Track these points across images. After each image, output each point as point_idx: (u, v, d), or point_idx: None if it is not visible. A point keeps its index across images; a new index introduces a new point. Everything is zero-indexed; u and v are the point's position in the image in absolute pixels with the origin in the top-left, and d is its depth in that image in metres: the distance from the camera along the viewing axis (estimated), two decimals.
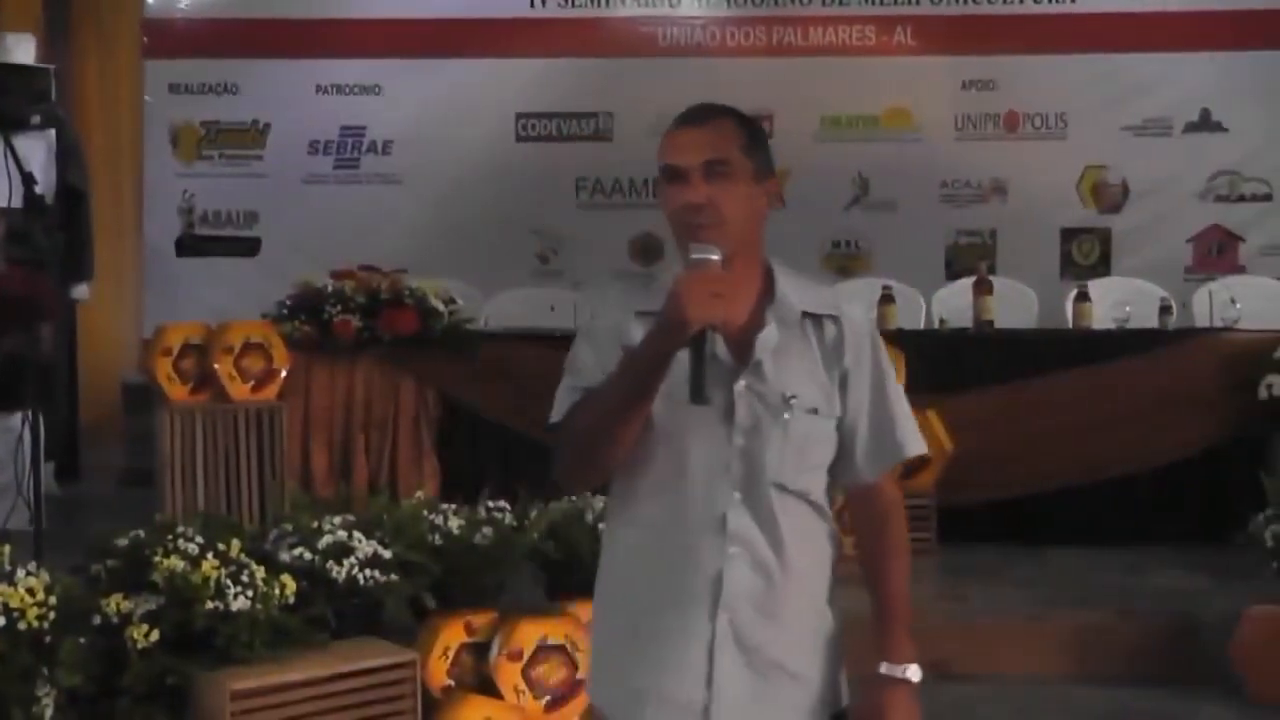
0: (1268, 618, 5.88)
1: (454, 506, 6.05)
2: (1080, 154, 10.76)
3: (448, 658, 5.36)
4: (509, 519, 6.00)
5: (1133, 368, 7.98)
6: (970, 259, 10.30)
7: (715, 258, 2.75)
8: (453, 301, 8.19)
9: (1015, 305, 9.14)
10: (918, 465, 7.77)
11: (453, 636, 5.40)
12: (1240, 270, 10.36)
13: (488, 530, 5.83)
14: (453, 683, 5.36)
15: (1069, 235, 10.75)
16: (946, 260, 10.70)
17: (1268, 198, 10.64)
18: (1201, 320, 8.84)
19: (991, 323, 8.45)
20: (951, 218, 10.79)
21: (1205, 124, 10.66)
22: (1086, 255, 10.71)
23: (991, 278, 8.90)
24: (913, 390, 8.02)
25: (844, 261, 10.70)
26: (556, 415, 2.86)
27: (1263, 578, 6.29)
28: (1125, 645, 6.31)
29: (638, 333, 2.79)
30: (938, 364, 7.97)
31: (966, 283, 8.90)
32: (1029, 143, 10.74)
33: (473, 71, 10.79)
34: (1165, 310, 8.60)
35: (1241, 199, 10.65)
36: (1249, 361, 7.77)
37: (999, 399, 7.92)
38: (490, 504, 6.12)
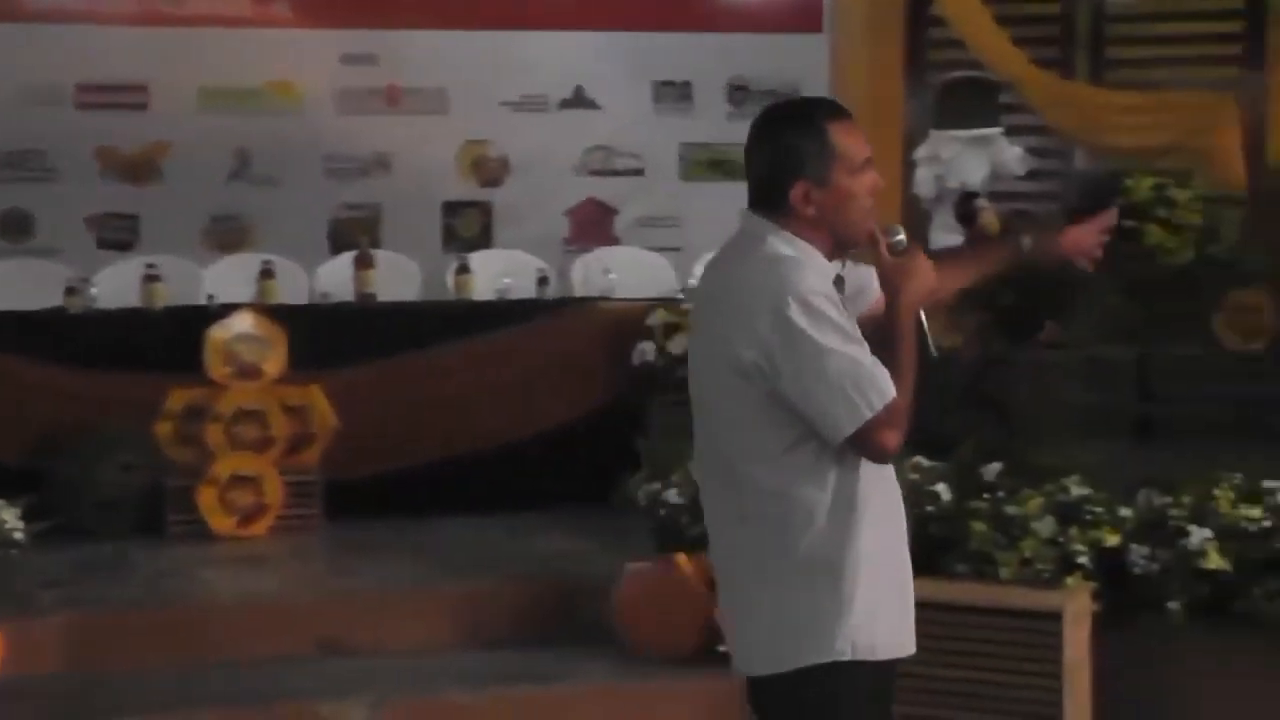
0: (643, 575, 6.08)
1: None
2: (461, 129, 10.86)
3: None
4: None
5: (513, 338, 8.12)
6: (354, 233, 10.22)
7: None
8: None
9: (399, 278, 9.15)
10: (307, 440, 7.68)
11: None
12: (615, 242, 10.72)
13: None
14: None
15: (451, 209, 10.84)
16: (330, 234, 10.57)
17: (639, 172, 11.03)
18: (579, 290, 9.08)
19: (374, 296, 8.42)
20: (335, 192, 10.68)
21: (579, 101, 10.95)
22: (468, 228, 10.84)
23: (375, 251, 8.88)
24: (296, 366, 7.92)
25: (224, 236, 10.41)
26: (891, 388, 3.14)
27: (639, 537, 6.51)
28: (511, 609, 6.38)
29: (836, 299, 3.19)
30: (320, 339, 7.91)
31: (349, 256, 8.84)
32: (411, 117, 10.75)
33: None
34: (543, 281, 8.80)
35: (615, 173, 11.01)
36: (624, 329, 8.03)
37: (382, 372, 7.90)
38: None
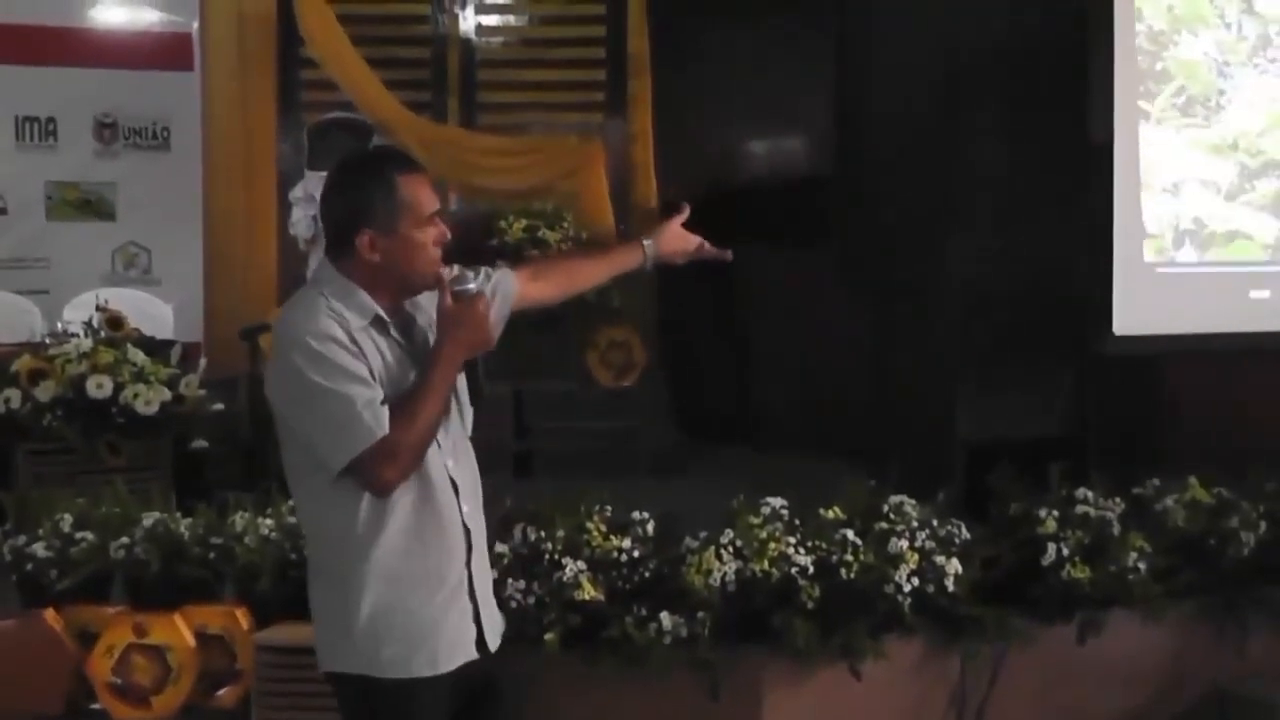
0: (5, 633, 5.75)
1: None
2: None
3: None
4: None
5: None
6: None
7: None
8: None
9: None
10: None
11: None
12: None
13: None
14: None
15: None
16: None
17: (2, 211, 10.48)
18: None
19: None
20: None
21: None
22: None
23: None
24: None
25: None
26: (381, 426, 3.29)
27: (4, 593, 6.14)
28: None
29: (368, 342, 3.37)
30: None
31: None
32: None
33: None
34: None
35: None
36: None
37: None
38: None
